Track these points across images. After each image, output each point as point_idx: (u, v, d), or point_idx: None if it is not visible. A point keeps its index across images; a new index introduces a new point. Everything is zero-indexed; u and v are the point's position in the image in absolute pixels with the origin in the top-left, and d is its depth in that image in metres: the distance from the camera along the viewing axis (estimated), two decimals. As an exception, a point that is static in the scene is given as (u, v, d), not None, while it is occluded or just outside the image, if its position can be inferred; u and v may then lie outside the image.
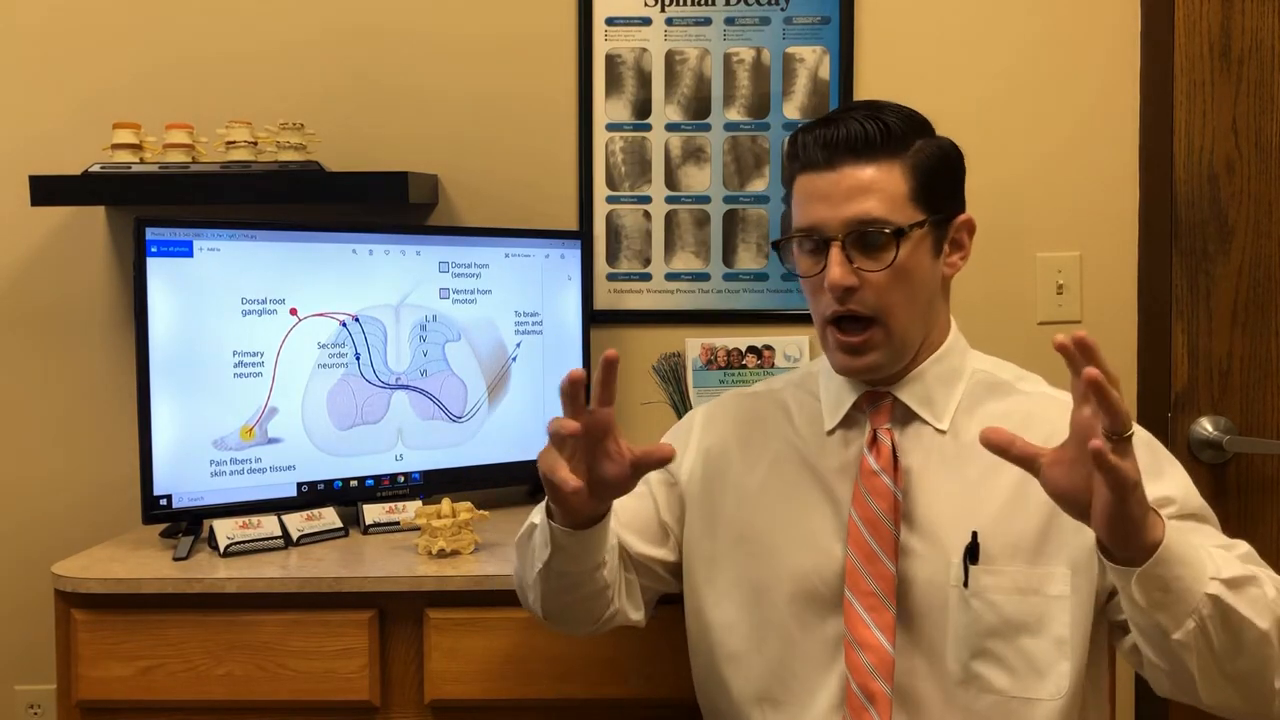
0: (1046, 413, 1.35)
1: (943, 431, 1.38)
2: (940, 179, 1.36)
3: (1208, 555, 1.17)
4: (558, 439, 1.20)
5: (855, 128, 1.32)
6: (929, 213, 1.34)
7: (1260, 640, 1.16)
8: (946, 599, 1.32)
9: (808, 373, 1.51)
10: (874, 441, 1.38)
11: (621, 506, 1.42)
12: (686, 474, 1.50)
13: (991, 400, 1.40)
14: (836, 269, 1.31)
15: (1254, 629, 1.15)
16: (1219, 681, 1.17)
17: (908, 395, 1.39)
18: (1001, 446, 1.16)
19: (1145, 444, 1.31)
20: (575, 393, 1.20)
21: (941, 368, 1.40)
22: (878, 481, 1.35)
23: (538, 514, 1.37)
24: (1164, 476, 1.32)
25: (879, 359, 1.35)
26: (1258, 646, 1.16)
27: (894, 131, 1.33)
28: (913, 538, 1.35)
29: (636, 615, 1.47)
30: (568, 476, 1.19)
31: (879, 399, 1.40)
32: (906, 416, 1.39)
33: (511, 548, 1.82)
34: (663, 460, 1.23)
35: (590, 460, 1.23)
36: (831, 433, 1.42)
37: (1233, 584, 1.15)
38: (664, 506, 1.50)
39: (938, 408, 1.39)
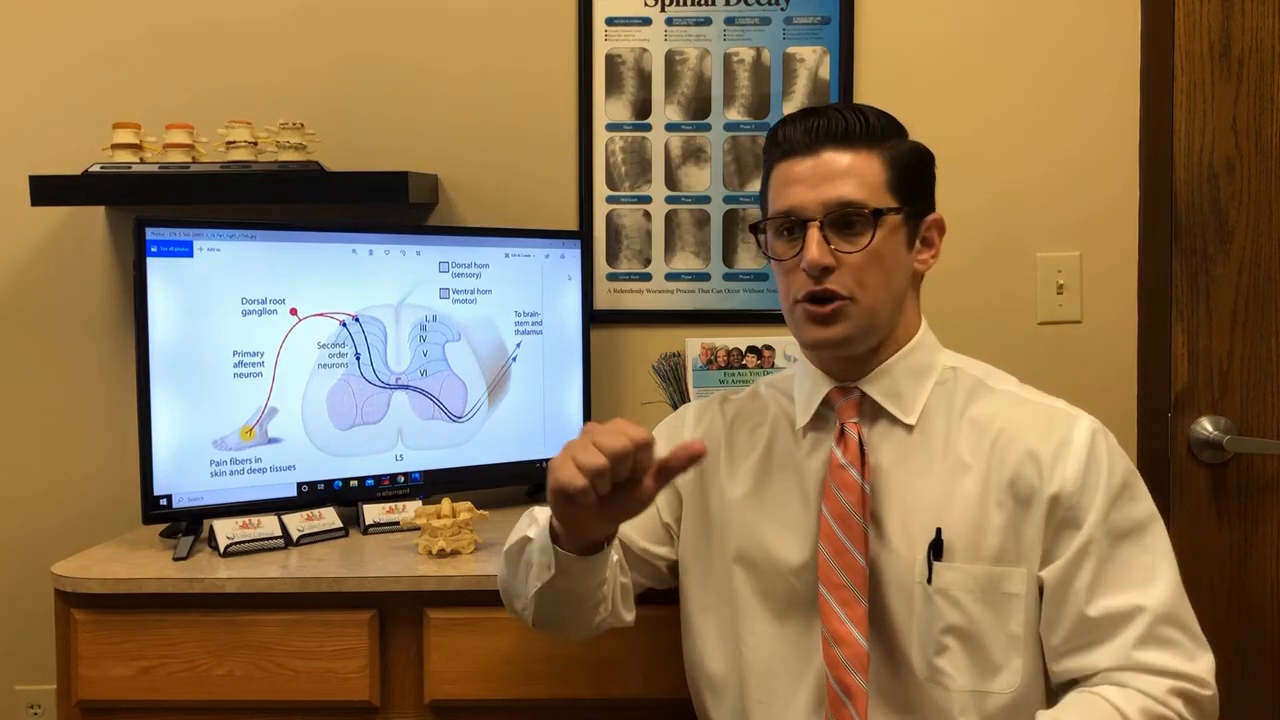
0: (1030, 425, 1.37)
1: (910, 427, 1.39)
2: (914, 174, 1.40)
3: None
4: (617, 458, 1.15)
5: (838, 118, 1.37)
6: (903, 203, 1.37)
7: None
8: (912, 595, 1.35)
9: (785, 375, 1.54)
10: (841, 436, 1.40)
11: None
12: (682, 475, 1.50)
13: (970, 404, 1.41)
14: (814, 248, 1.33)
15: None
16: None
17: (874, 389, 1.40)
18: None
19: (1120, 486, 1.34)
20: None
21: (910, 362, 1.42)
22: (846, 475, 1.37)
23: (531, 528, 1.37)
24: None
25: (848, 330, 1.36)
26: None
27: (873, 125, 1.38)
28: (881, 533, 1.37)
29: (629, 616, 1.49)
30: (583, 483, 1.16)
31: (846, 394, 1.41)
32: (875, 412, 1.41)
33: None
34: (691, 460, 1.20)
35: (618, 494, 1.20)
36: (804, 432, 1.44)
37: None
38: (664, 508, 1.51)
39: (905, 402, 1.40)
